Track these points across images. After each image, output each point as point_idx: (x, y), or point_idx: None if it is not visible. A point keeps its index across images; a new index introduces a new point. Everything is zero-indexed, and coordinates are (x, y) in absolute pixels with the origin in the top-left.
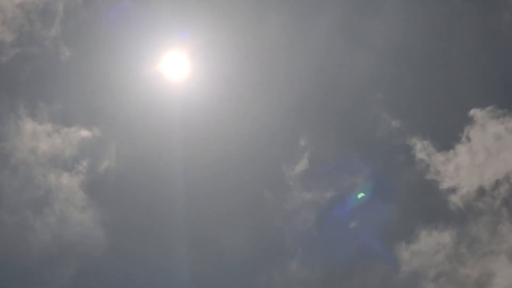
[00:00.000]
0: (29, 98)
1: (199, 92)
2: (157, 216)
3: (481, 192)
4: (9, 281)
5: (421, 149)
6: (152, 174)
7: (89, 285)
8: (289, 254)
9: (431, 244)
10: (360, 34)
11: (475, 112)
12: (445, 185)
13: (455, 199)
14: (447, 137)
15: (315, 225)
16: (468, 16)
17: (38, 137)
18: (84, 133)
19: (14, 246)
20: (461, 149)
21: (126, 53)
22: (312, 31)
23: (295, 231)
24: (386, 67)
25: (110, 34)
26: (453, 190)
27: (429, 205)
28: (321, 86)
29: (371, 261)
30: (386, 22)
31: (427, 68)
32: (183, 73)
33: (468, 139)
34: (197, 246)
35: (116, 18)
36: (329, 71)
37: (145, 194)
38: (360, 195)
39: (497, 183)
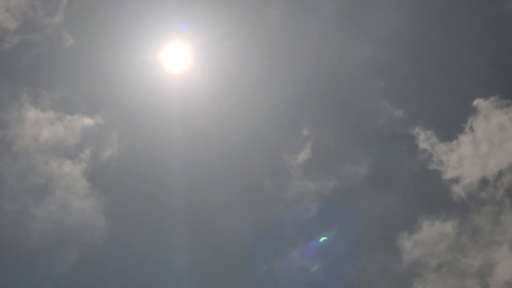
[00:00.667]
0: (32, 86)
1: (200, 82)
2: (158, 205)
3: (484, 182)
4: (9, 269)
5: (424, 139)
6: (153, 163)
7: (89, 273)
8: (290, 243)
9: (433, 234)
10: (362, 23)
11: (478, 102)
12: (448, 175)
13: (457, 189)
14: (451, 127)
15: (317, 214)
16: (471, 4)
17: (41, 124)
18: (87, 121)
19: (15, 234)
20: (465, 139)
21: (127, 43)
22: (313, 20)
23: (297, 220)
24: (388, 56)
25: (113, 22)
26: (456, 180)
27: (431, 195)
28: (323, 75)
29: (372, 250)
30: (388, 11)
31: (430, 57)
32: (185, 64)
33: (472, 129)
34: (198, 236)
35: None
36: (331, 60)
37: (147, 183)
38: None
39: (500, 174)
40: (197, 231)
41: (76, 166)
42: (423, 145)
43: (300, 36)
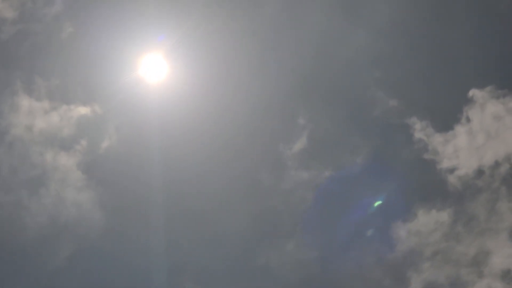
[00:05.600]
0: (26, 73)
1: (195, 74)
2: (155, 198)
3: (480, 172)
4: (4, 263)
5: (420, 129)
6: (150, 154)
7: (85, 266)
8: (286, 234)
9: (428, 222)
10: (357, 12)
11: (474, 92)
12: (443, 164)
13: (453, 179)
14: (446, 118)
15: (313, 204)
16: None
17: (35, 114)
18: (83, 110)
19: (9, 227)
20: (461, 129)
21: (125, 33)
22: (309, 9)
23: (292, 210)
24: (384, 46)
25: (112, 10)
26: (451, 170)
27: (427, 184)
28: (318, 65)
29: (367, 240)
30: (383, 1)
31: (425, 47)
32: (178, 56)
33: (468, 119)
34: (195, 229)
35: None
36: (326, 50)
37: (144, 175)
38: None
39: (497, 164)
40: (194, 224)
41: (71, 158)
42: (418, 135)
43: (295, 26)
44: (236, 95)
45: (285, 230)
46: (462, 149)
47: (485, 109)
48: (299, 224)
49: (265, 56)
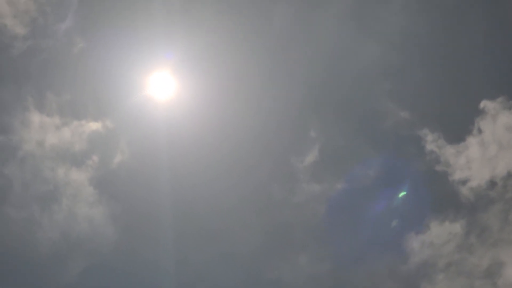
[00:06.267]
0: (38, 89)
1: (206, 88)
2: (166, 212)
3: (492, 183)
4: (16, 278)
5: (432, 140)
6: (162, 169)
7: (97, 282)
8: (298, 247)
9: (441, 234)
10: (369, 24)
11: (485, 103)
12: (456, 176)
13: (466, 191)
14: (458, 129)
15: (325, 217)
16: (478, 6)
17: (46, 129)
18: (94, 126)
19: (21, 242)
20: (472, 141)
21: (136, 48)
22: (320, 21)
23: (304, 224)
24: (395, 58)
25: (123, 26)
26: (464, 181)
27: (439, 196)
28: (329, 77)
29: (380, 252)
30: (395, 12)
31: (436, 59)
32: (193, 68)
33: (479, 130)
34: (207, 242)
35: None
36: (337, 62)
37: (155, 190)
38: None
39: (509, 175)
40: (206, 238)
41: (83, 173)
42: (430, 146)
43: (306, 39)
44: (246, 109)
45: (297, 244)
46: (474, 161)
47: (496, 120)
48: (311, 237)
49: (276, 69)
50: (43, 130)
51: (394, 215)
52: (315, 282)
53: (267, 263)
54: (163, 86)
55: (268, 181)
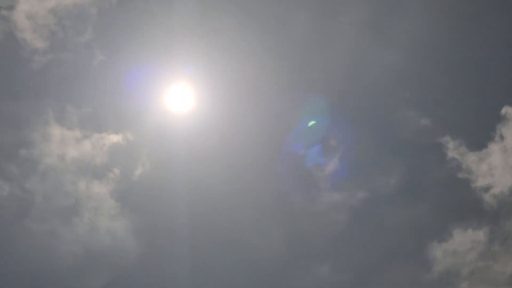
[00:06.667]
0: (58, 103)
1: (224, 97)
2: (189, 224)
3: None
4: None
5: (453, 148)
6: (182, 180)
7: None
8: (320, 257)
9: (464, 242)
10: (386, 31)
11: (507, 109)
12: (478, 183)
13: (488, 198)
14: (479, 136)
15: (346, 226)
16: (497, 11)
17: (67, 143)
18: (115, 138)
19: (44, 256)
20: (494, 147)
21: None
22: (338, 29)
23: (326, 233)
24: (414, 65)
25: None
26: (486, 188)
27: (462, 203)
28: (348, 85)
29: (402, 261)
30: (413, 19)
31: (456, 65)
32: (212, 75)
33: (501, 137)
34: (228, 253)
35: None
36: (356, 70)
37: (177, 202)
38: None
39: None
40: (227, 249)
41: (104, 186)
42: (452, 154)
43: (324, 47)
44: (266, 119)
45: (318, 253)
46: (496, 167)
47: None
48: (332, 246)
49: (295, 78)
50: (64, 144)
51: (416, 223)
52: None
53: (289, 273)
54: (182, 98)
55: (288, 190)
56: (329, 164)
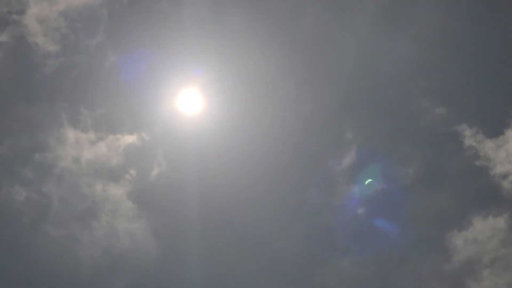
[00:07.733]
0: (71, 105)
1: (238, 94)
2: (209, 223)
3: None
4: None
5: (470, 136)
6: (199, 179)
7: None
8: (340, 250)
9: (484, 230)
10: (401, 21)
11: None
12: (496, 170)
13: (507, 184)
14: (496, 123)
15: (366, 219)
16: None
17: (82, 145)
18: (130, 139)
19: (63, 261)
20: (511, 134)
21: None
22: (351, 21)
23: (345, 226)
24: (428, 53)
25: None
26: (505, 175)
27: (481, 191)
28: (362, 76)
29: (424, 251)
30: (428, 8)
31: (471, 52)
32: (226, 72)
33: None
34: (248, 251)
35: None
36: (370, 61)
37: (196, 201)
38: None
39: None
40: (247, 247)
41: (121, 187)
42: (469, 141)
43: (338, 39)
44: (280, 115)
45: (339, 247)
46: None
47: None
48: (353, 239)
49: (309, 73)
50: (79, 146)
51: (435, 213)
52: (360, 285)
53: (310, 268)
54: (196, 97)
55: (306, 185)
56: (346, 157)
